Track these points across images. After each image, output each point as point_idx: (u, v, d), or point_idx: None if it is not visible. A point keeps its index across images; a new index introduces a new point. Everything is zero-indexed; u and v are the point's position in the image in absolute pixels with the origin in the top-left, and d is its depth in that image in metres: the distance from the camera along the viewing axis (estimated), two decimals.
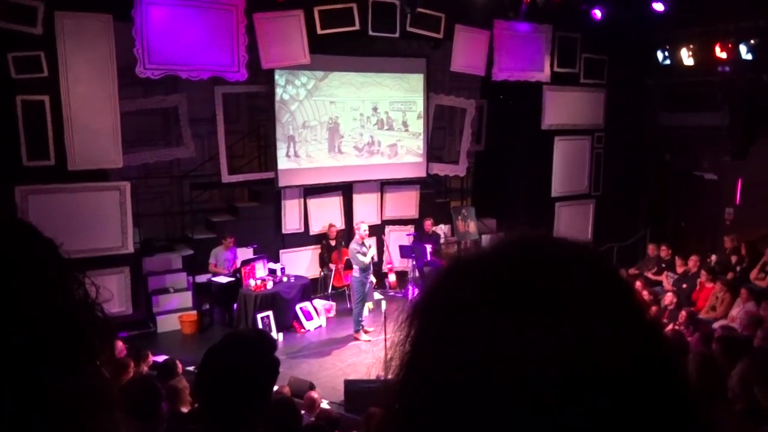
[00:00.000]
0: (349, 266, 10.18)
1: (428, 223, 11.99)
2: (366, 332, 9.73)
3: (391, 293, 11.79)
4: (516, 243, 0.60)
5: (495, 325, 0.51)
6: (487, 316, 0.52)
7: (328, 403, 6.71)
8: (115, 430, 0.65)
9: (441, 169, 12.77)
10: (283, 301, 9.93)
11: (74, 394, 0.60)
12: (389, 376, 0.60)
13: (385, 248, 12.23)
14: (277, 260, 11.00)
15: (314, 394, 5.63)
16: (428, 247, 11.41)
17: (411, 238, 11.94)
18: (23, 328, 0.58)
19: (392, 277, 12.08)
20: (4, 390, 0.55)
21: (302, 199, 11.53)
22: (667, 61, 11.61)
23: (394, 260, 12.21)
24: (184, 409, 4.74)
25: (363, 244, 9.55)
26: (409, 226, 12.43)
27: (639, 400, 0.49)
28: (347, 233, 11.75)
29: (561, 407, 0.48)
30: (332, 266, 11.31)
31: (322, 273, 11.55)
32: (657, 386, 0.50)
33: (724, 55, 10.47)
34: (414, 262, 11.44)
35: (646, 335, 0.53)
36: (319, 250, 11.62)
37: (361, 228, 9.64)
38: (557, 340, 0.49)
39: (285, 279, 10.33)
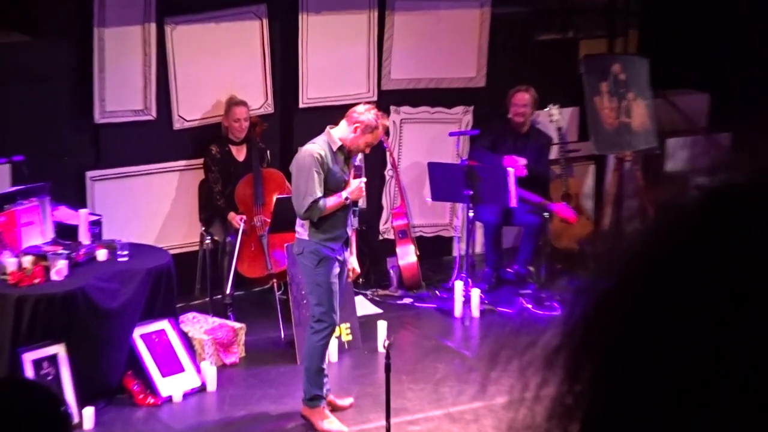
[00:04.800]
0: (285, 225, 8.75)
1: (522, 99, 9.43)
2: (336, 407, 8.40)
3: (404, 299, 9.33)
4: None
5: None
6: None
7: None
8: None
9: None
10: (98, 317, 8.42)
11: None
12: None
13: (389, 164, 9.86)
14: (83, 202, 9.41)
15: None
16: (511, 171, 8.79)
17: (466, 141, 9.73)
18: None
19: (408, 256, 9.84)
20: None
21: (153, 24, 9.55)
22: None
23: (410, 203, 10.00)
24: None
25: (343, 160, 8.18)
26: (461, 109, 9.85)
27: None
28: (280, 125, 9.82)
29: None
30: (239, 220, 9.46)
31: (207, 240, 9.61)
32: None
33: None
34: (469, 209, 9.05)
35: None
36: (202, 173, 9.62)
37: (370, 114, 7.84)
38: None
39: (102, 254, 8.83)
